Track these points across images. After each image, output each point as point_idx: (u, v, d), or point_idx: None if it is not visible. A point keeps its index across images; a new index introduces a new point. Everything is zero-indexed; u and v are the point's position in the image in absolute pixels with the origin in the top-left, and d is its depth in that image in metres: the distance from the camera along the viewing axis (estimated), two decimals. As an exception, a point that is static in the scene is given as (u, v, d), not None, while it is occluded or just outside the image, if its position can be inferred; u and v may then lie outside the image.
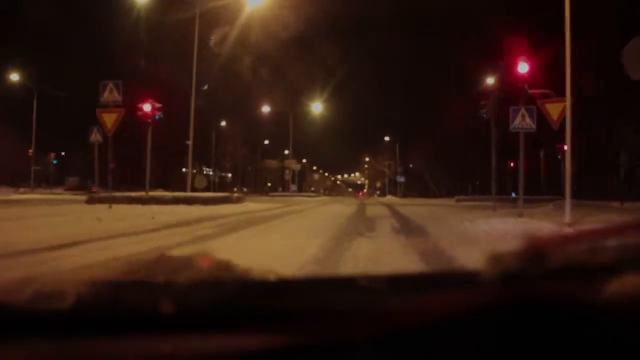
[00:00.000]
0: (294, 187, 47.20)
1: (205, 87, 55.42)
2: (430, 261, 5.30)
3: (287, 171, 46.37)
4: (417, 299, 0.55)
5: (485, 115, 15.51)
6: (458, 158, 44.52)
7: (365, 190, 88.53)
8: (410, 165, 55.54)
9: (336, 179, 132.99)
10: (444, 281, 0.64)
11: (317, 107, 44.84)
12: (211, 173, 55.86)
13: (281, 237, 8.12)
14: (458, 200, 30.40)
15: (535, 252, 0.57)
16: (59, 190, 37.15)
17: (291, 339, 0.51)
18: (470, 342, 0.49)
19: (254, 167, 67.17)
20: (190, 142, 19.79)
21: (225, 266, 0.69)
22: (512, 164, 36.58)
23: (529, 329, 0.49)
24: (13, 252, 5.08)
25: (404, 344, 0.50)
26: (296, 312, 0.55)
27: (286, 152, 49.44)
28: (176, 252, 0.80)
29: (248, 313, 0.55)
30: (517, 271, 0.56)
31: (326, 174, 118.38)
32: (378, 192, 74.23)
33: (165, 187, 34.90)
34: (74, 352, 0.54)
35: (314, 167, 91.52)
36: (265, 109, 47.07)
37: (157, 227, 8.78)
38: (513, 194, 33.90)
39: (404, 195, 48.59)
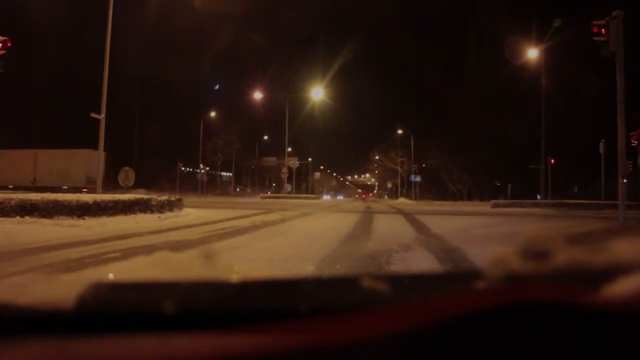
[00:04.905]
0: (288, 187, 40.40)
1: (217, 87, 48.60)
2: None
3: (283, 169, 39.66)
4: (420, 300, 0.54)
5: (606, 49, 8.71)
6: (481, 151, 37.45)
7: (375, 192, 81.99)
8: (423, 165, 48.22)
9: (345, 180, 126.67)
10: (447, 282, 0.64)
11: (318, 94, 37.88)
12: (201, 170, 49.39)
13: None
14: (495, 206, 23.22)
15: (538, 252, 0.57)
16: None
17: (292, 339, 0.51)
18: (472, 343, 0.49)
19: (250, 165, 60.33)
20: (101, 117, 12.49)
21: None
22: (552, 161, 29.48)
23: (530, 330, 0.48)
24: None
25: (406, 344, 0.49)
26: (297, 312, 0.54)
27: (289, 149, 42.59)
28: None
29: (249, 313, 0.55)
30: (520, 272, 0.56)
31: (334, 174, 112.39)
32: (387, 195, 66.90)
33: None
34: (75, 353, 0.54)
35: (321, 167, 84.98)
36: (258, 95, 40.19)
37: None
38: (538, 196, 26.91)
39: (419, 198, 41.54)
